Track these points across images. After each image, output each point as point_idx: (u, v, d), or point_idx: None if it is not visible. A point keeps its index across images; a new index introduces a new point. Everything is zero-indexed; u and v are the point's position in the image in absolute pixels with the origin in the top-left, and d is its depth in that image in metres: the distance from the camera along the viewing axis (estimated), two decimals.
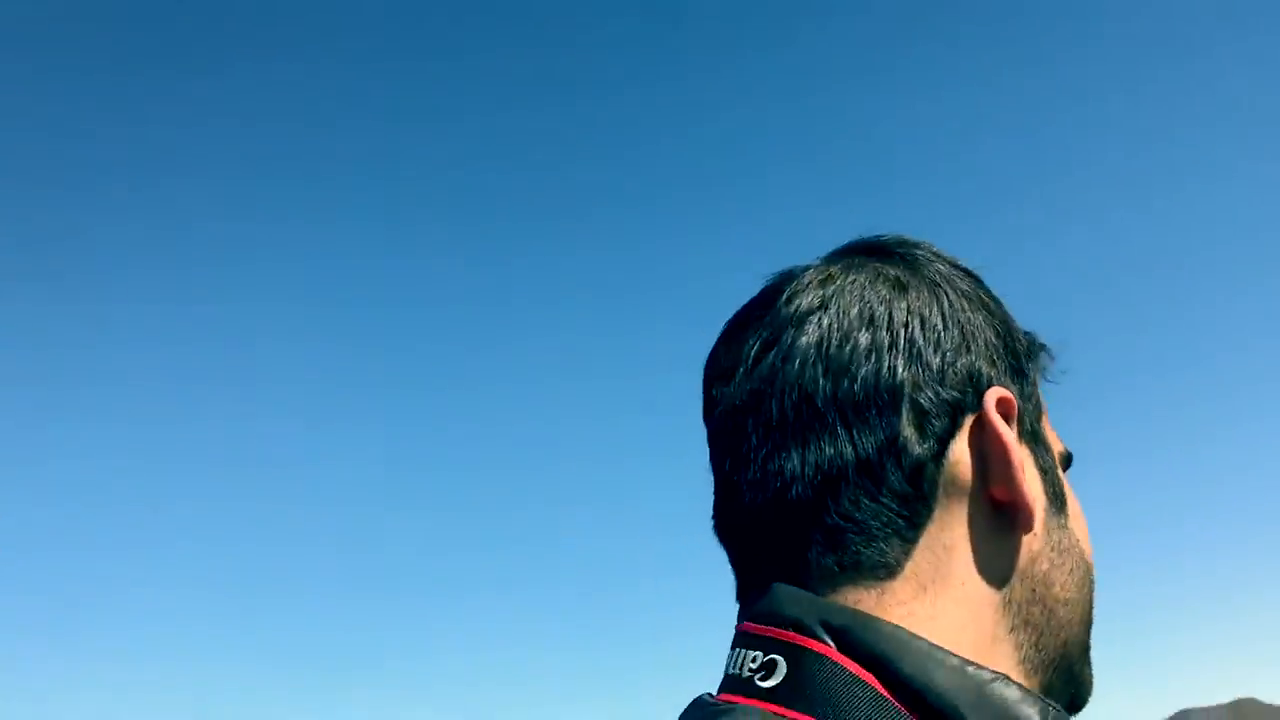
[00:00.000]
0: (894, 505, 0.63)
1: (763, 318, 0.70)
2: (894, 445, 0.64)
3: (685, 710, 0.65)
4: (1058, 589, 0.67)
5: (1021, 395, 0.69)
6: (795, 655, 0.60)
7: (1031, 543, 0.67)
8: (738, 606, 0.69)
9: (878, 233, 0.75)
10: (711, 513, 0.71)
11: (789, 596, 0.63)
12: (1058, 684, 0.69)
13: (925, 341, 0.66)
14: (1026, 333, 0.76)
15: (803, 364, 0.66)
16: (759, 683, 0.60)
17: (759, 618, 0.63)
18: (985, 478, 0.65)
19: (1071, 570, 0.69)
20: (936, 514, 0.64)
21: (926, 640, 0.60)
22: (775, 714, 0.58)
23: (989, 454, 0.65)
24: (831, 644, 0.60)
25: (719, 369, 0.71)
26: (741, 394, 0.68)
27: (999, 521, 0.66)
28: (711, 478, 0.72)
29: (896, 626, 0.61)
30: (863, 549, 0.63)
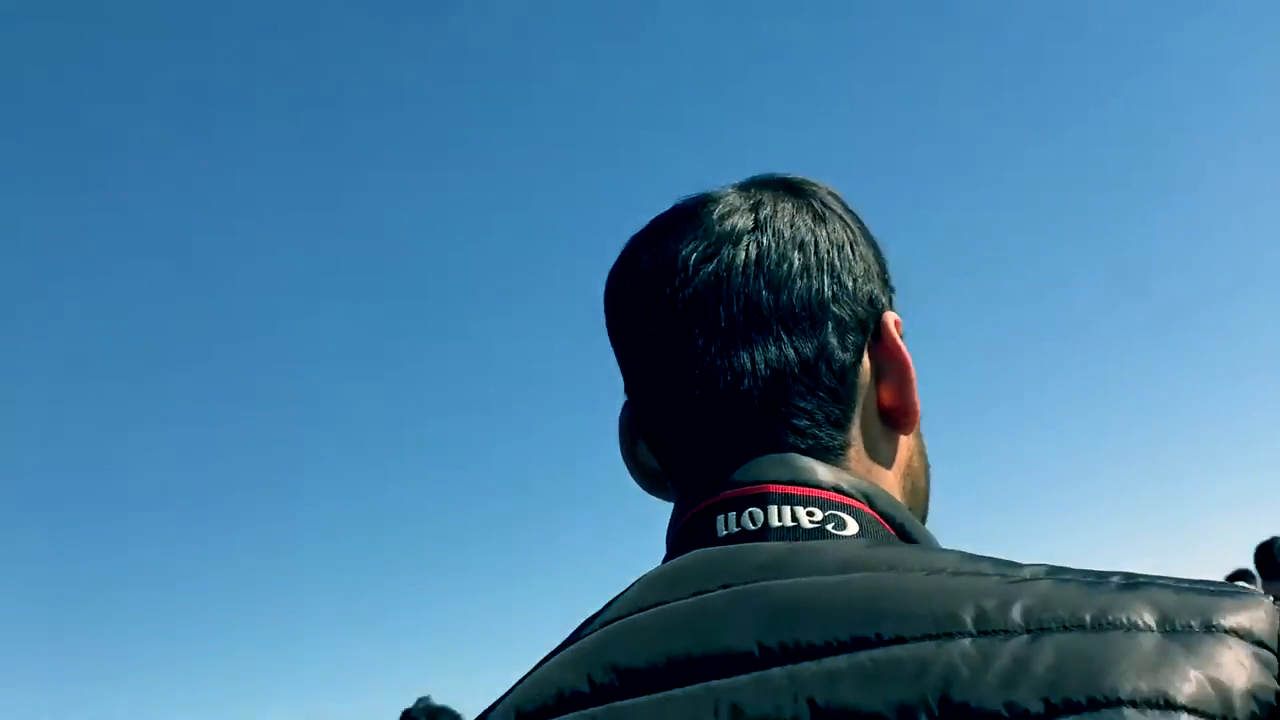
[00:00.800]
0: (829, 400, 0.74)
1: (692, 232, 0.77)
2: (824, 351, 0.74)
3: (709, 557, 0.66)
4: (923, 483, 0.82)
5: None
6: (858, 514, 0.69)
7: (910, 442, 0.80)
8: (698, 482, 0.73)
9: (779, 172, 0.84)
10: (630, 413, 0.80)
11: (817, 468, 0.71)
12: None
13: (841, 267, 0.77)
14: None
15: (746, 276, 0.75)
16: (835, 531, 0.68)
17: (790, 482, 0.70)
18: (879, 387, 0.77)
19: (927, 469, 0.84)
20: (857, 412, 0.75)
21: (908, 510, 0.75)
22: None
23: (888, 367, 0.77)
24: (869, 507, 0.70)
25: (645, 277, 0.77)
26: (682, 300, 0.75)
27: (887, 422, 0.78)
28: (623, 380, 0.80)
29: (894, 498, 0.74)
30: (818, 433, 0.73)
